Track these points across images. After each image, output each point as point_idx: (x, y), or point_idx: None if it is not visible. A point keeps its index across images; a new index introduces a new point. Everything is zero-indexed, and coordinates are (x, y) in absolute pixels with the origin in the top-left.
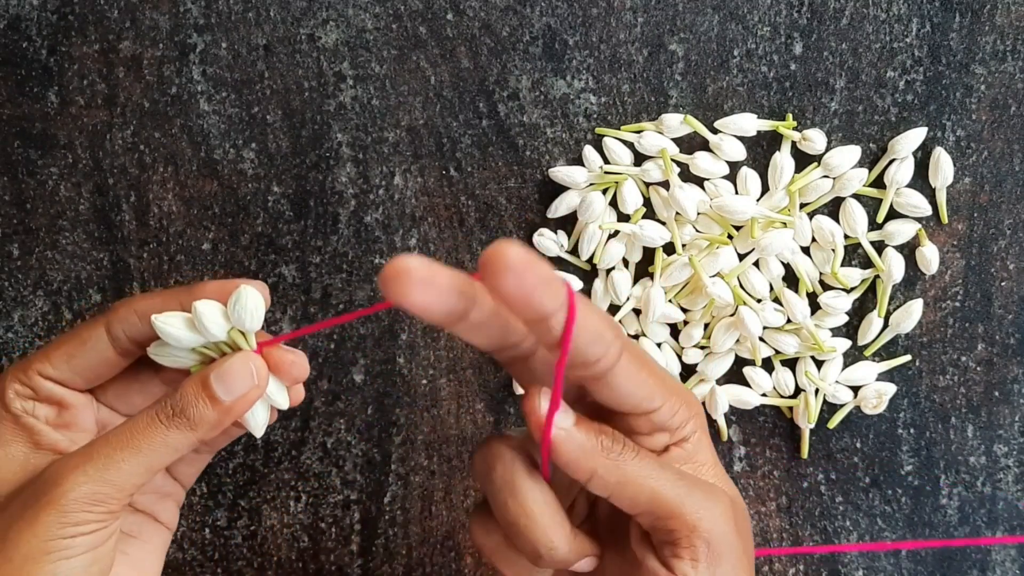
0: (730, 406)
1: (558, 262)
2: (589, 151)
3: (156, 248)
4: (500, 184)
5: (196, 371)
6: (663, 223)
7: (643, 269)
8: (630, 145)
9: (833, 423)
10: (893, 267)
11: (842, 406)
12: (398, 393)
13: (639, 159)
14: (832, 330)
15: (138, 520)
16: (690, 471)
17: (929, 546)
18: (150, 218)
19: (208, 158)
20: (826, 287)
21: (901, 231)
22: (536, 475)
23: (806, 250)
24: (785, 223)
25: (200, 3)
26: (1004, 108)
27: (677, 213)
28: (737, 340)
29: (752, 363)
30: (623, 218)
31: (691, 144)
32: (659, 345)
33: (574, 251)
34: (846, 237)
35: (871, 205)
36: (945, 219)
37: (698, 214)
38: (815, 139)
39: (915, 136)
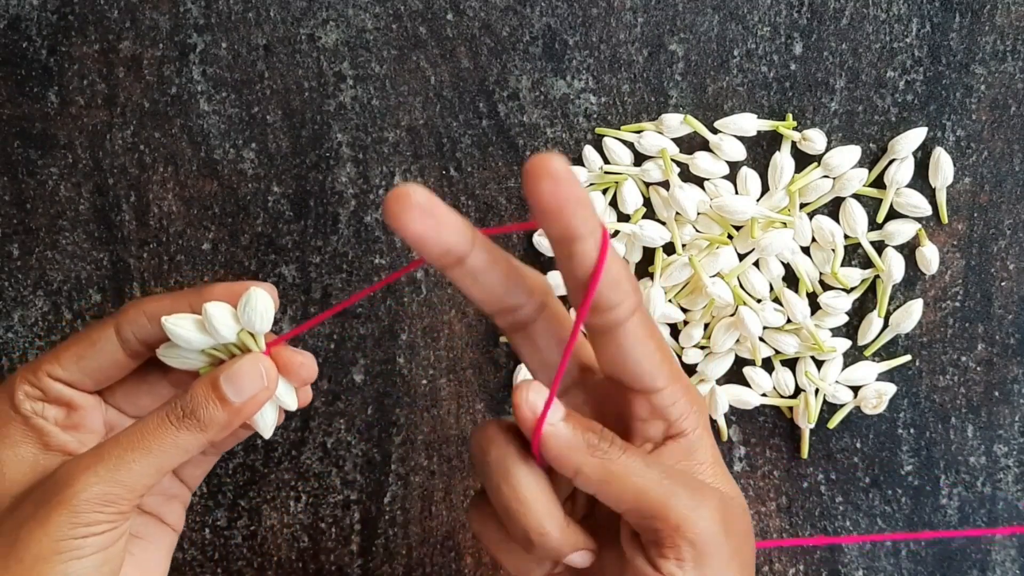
0: (730, 406)
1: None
2: (589, 151)
3: (156, 248)
4: (500, 184)
5: (205, 372)
6: (663, 223)
7: (643, 269)
8: (630, 145)
9: (833, 423)
10: (893, 267)
11: (842, 406)
12: (398, 393)
13: (639, 159)
14: (832, 330)
15: (145, 521)
16: (687, 468)
17: (922, 537)
18: (150, 218)
19: (208, 158)
20: (826, 287)
21: (901, 231)
22: (530, 461)
23: (806, 250)
24: (785, 223)
25: (200, 3)
26: (1004, 108)
27: (677, 213)
28: (737, 340)
29: (752, 363)
30: (623, 218)
31: (691, 144)
32: None
33: None
34: (846, 237)
35: (871, 205)
36: (945, 219)
37: (698, 214)
38: (815, 139)
39: (915, 136)
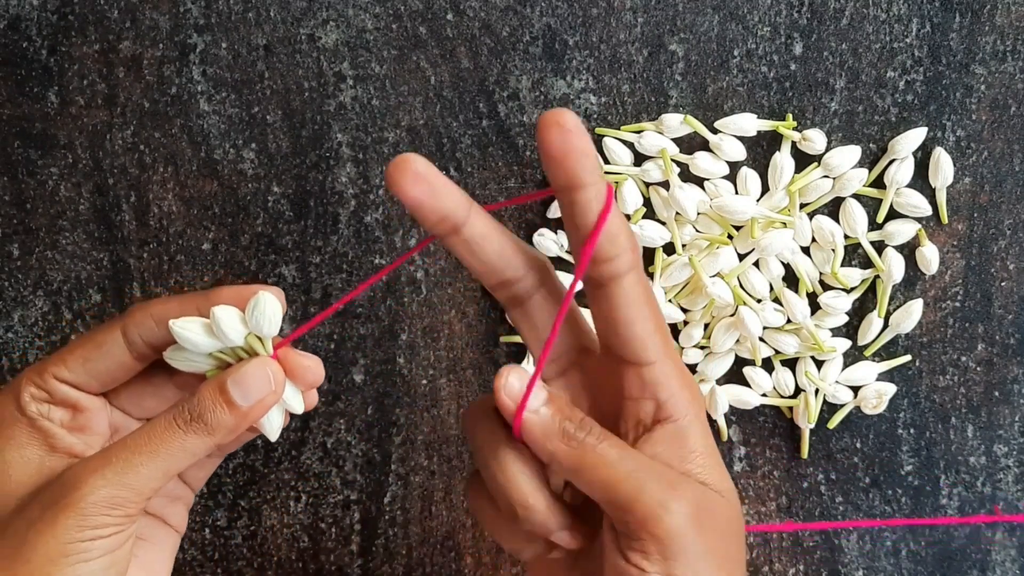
0: (730, 406)
1: (558, 262)
2: None
3: (156, 248)
4: (500, 184)
5: (212, 376)
6: (663, 223)
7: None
8: (630, 145)
9: (833, 423)
10: (893, 267)
11: (842, 406)
12: (398, 393)
13: (639, 159)
14: (832, 330)
15: (148, 523)
16: (675, 456)
17: (911, 524)
18: (150, 218)
19: (208, 158)
20: (826, 287)
21: (901, 231)
22: (515, 440)
23: (806, 250)
24: (785, 223)
25: (200, 3)
26: (1004, 108)
27: (677, 213)
28: (737, 340)
29: (752, 363)
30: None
31: (691, 144)
32: None
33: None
34: (846, 237)
35: (871, 205)
36: (945, 219)
37: (698, 214)
38: (815, 139)
39: (915, 136)
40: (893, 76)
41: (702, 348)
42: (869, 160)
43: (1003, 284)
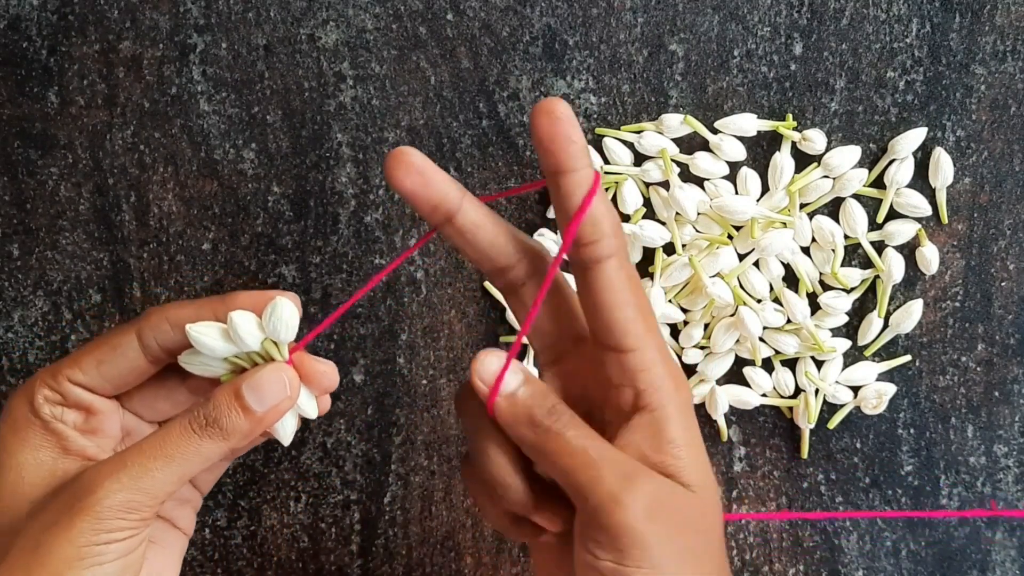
0: (730, 406)
1: None
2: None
3: (156, 248)
4: (500, 184)
5: (226, 380)
6: (663, 223)
7: (643, 269)
8: (630, 145)
9: (833, 423)
10: (893, 267)
11: (842, 406)
12: (398, 393)
13: (639, 159)
14: (832, 330)
15: (158, 526)
16: (650, 445)
17: (900, 516)
18: (150, 218)
19: (208, 158)
20: (826, 287)
21: (901, 231)
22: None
23: (806, 250)
24: (785, 223)
25: (200, 3)
26: (1004, 108)
27: (677, 213)
28: (737, 340)
29: (752, 363)
30: (623, 218)
31: (691, 144)
32: None
33: None
34: (846, 237)
35: (871, 205)
36: (945, 219)
37: (698, 214)
38: (815, 139)
39: (915, 136)
40: (893, 76)
41: (702, 348)
42: (869, 160)
43: (1003, 284)
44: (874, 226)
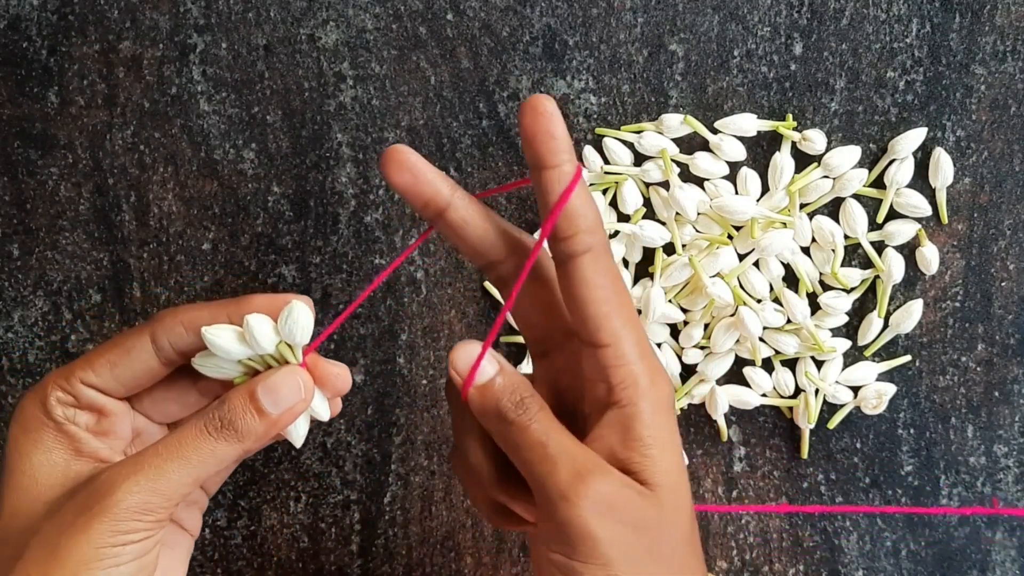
0: (730, 406)
1: None
2: (589, 151)
3: (156, 248)
4: (500, 184)
5: (240, 382)
6: (663, 223)
7: (643, 269)
8: (630, 145)
9: (833, 423)
10: (893, 267)
11: (842, 406)
12: (398, 393)
13: (639, 159)
14: (832, 330)
15: (167, 528)
16: (618, 442)
17: (894, 512)
18: (150, 218)
19: (208, 158)
20: (826, 287)
21: (901, 231)
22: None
23: (806, 250)
24: (785, 223)
25: (200, 3)
26: (1004, 108)
27: (677, 213)
28: (737, 340)
29: (752, 363)
30: (623, 218)
31: (691, 144)
32: (659, 345)
33: None
34: (846, 237)
35: (871, 205)
36: (945, 219)
37: (698, 214)
38: (815, 139)
39: (915, 136)
40: (893, 76)
41: (702, 348)
42: (869, 160)
43: (1003, 284)
44: (874, 226)
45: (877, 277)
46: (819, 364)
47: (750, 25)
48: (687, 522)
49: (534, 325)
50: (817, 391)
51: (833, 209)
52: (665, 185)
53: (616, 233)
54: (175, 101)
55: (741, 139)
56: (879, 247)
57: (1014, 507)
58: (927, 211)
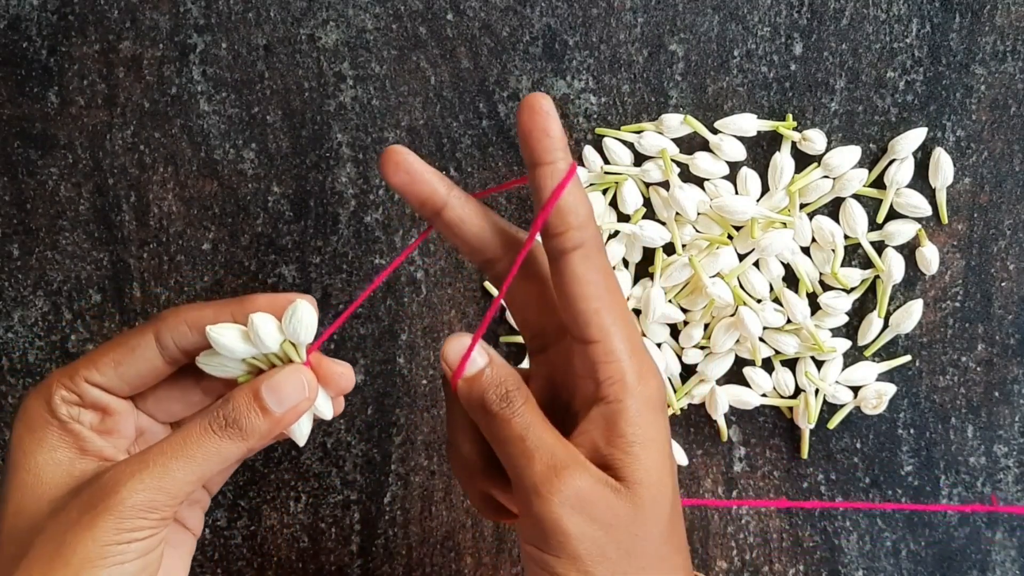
0: (730, 406)
1: None
2: (589, 151)
3: (156, 248)
4: (500, 184)
5: (244, 381)
6: (663, 223)
7: (643, 269)
8: (630, 145)
9: (833, 423)
10: (893, 267)
11: (842, 406)
12: (398, 393)
13: (639, 159)
14: (832, 330)
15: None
16: (602, 438)
17: (887, 508)
18: (150, 218)
19: (208, 158)
20: (826, 287)
21: (901, 231)
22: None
23: (806, 250)
24: (785, 223)
25: (200, 3)
26: (1004, 108)
27: (677, 213)
28: (737, 340)
29: (752, 363)
30: (623, 218)
31: (691, 144)
32: (659, 345)
33: None
34: (846, 237)
35: (871, 205)
36: (945, 219)
37: (698, 214)
38: (815, 139)
39: (915, 136)
40: (893, 76)
41: (702, 348)
42: (869, 160)
43: (1003, 284)
44: (874, 226)
45: (877, 277)
46: (819, 364)
47: (750, 25)
48: (666, 520)
49: (529, 321)
50: (817, 391)
51: (833, 209)
52: (665, 185)
53: (616, 233)
54: (175, 101)
55: (741, 139)
56: (879, 247)
57: (1013, 507)
58: (927, 211)
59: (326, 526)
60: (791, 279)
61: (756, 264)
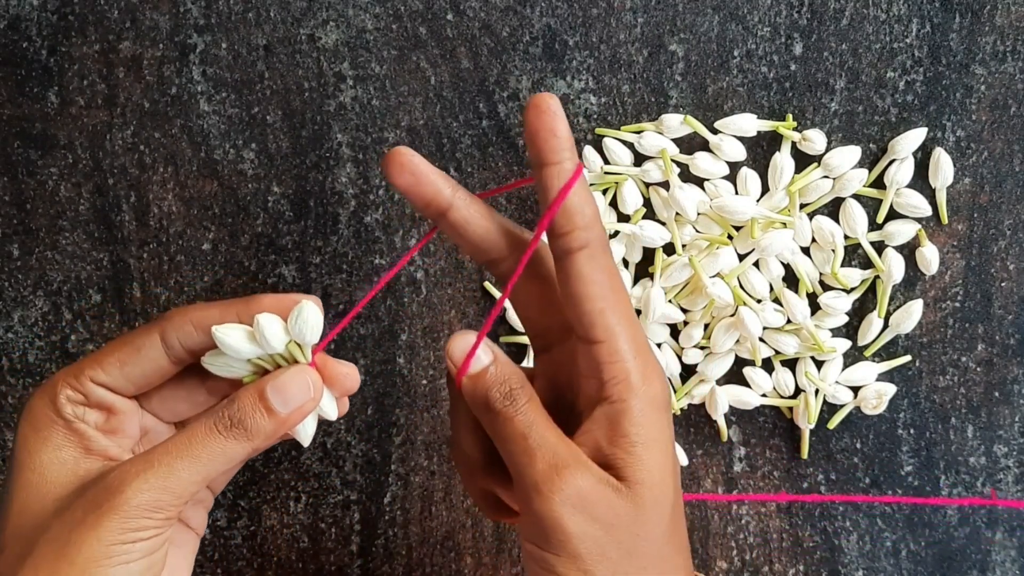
0: (730, 406)
1: None
2: (589, 151)
3: (156, 248)
4: (500, 184)
5: (249, 381)
6: (663, 223)
7: (643, 269)
8: (630, 145)
9: (833, 423)
10: (893, 267)
11: (842, 406)
12: (398, 393)
13: (639, 159)
14: (832, 330)
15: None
16: (605, 437)
17: (884, 501)
18: (150, 218)
19: (208, 158)
20: (826, 287)
21: (901, 231)
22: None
23: (806, 250)
24: (785, 223)
25: (200, 3)
26: (1004, 108)
27: (677, 213)
28: (737, 340)
29: (752, 363)
30: (623, 218)
31: (691, 144)
32: (659, 345)
33: None
34: (846, 237)
35: (871, 205)
36: (945, 219)
37: (698, 214)
38: (815, 139)
39: (915, 136)
40: (893, 76)
41: (702, 348)
42: (869, 160)
43: (1003, 284)
44: (874, 226)
45: (877, 277)
46: (819, 364)
47: (750, 25)
48: (667, 520)
49: (534, 320)
50: (817, 391)
51: (833, 209)
52: (665, 185)
53: (616, 233)
54: (175, 101)
55: (741, 139)
56: (879, 247)
57: (1014, 510)
58: (927, 211)
59: (326, 526)
60: (791, 279)
61: (756, 264)
